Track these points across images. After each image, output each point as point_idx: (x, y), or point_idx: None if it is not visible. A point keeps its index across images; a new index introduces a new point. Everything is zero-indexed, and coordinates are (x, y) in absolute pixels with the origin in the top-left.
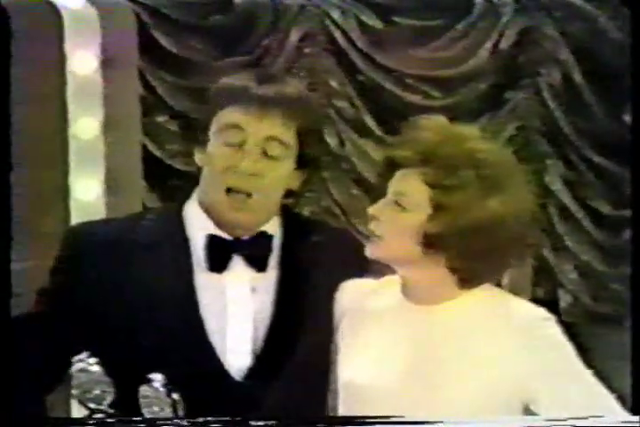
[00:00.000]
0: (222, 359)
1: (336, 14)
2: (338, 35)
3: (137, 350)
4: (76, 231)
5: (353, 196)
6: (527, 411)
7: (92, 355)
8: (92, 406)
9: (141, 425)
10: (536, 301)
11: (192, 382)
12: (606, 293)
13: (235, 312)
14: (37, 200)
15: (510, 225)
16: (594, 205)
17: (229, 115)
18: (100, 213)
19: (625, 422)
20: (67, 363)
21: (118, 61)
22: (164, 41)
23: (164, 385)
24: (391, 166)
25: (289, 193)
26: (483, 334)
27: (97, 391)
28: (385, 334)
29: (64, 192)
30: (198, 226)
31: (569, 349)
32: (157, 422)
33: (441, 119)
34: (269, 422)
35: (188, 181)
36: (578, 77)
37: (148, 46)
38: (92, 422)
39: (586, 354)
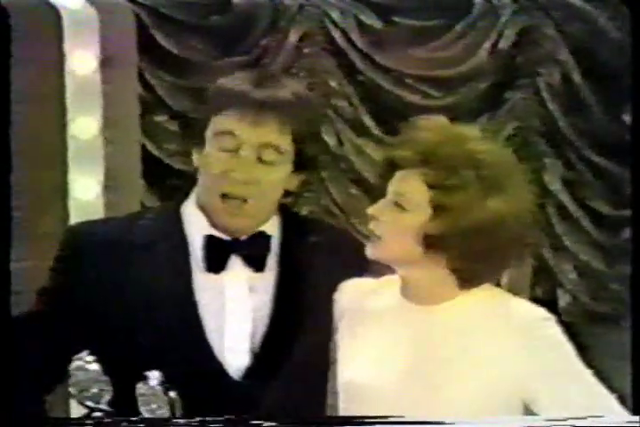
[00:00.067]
0: (221, 359)
1: (335, 14)
2: (337, 35)
3: (136, 350)
4: (76, 231)
5: (352, 195)
6: (527, 411)
7: (91, 354)
8: (89, 404)
9: (141, 425)
10: (535, 300)
11: (191, 381)
12: (605, 292)
13: (233, 311)
14: (36, 200)
15: (510, 225)
16: (593, 204)
17: (224, 121)
18: (99, 212)
19: (625, 422)
20: (66, 363)
21: (117, 61)
22: (163, 41)
23: (161, 383)
24: (391, 167)
25: (287, 193)
26: (482, 334)
27: (95, 390)
28: (385, 334)
29: (63, 192)
30: (196, 226)
31: (569, 349)
32: (156, 423)
33: (441, 119)
34: (269, 422)
35: (186, 181)
36: (577, 77)
37: (147, 46)
38: (91, 422)
39: (585, 354)
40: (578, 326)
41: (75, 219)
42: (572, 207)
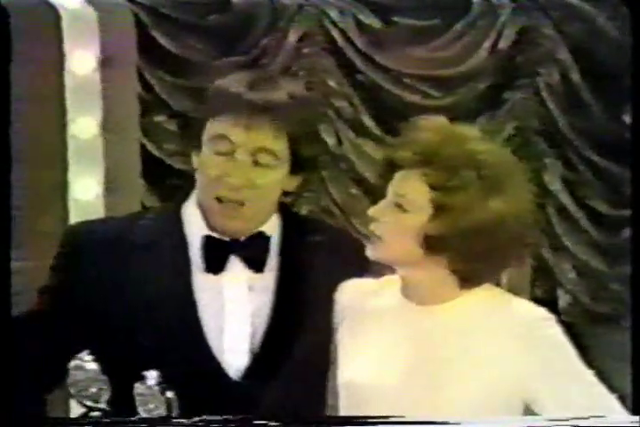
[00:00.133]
0: (220, 359)
1: (334, 14)
2: (336, 34)
3: (135, 349)
4: (76, 230)
5: (352, 195)
6: (528, 411)
7: (91, 353)
8: (88, 403)
9: (141, 425)
10: (535, 300)
11: (190, 381)
12: (605, 292)
13: (232, 311)
14: (36, 200)
15: (510, 225)
16: (592, 204)
17: (219, 125)
18: (98, 212)
19: (625, 422)
20: (66, 362)
21: (117, 61)
22: (162, 41)
23: (159, 383)
24: (391, 167)
25: (287, 192)
26: (483, 334)
27: (93, 389)
28: (385, 334)
29: (63, 191)
30: (196, 226)
31: (569, 349)
32: (156, 423)
33: (441, 120)
34: (268, 422)
35: (186, 181)
36: (576, 77)
37: (146, 46)
38: (91, 421)
39: (585, 354)
40: (578, 326)
41: (74, 219)
42: (571, 207)
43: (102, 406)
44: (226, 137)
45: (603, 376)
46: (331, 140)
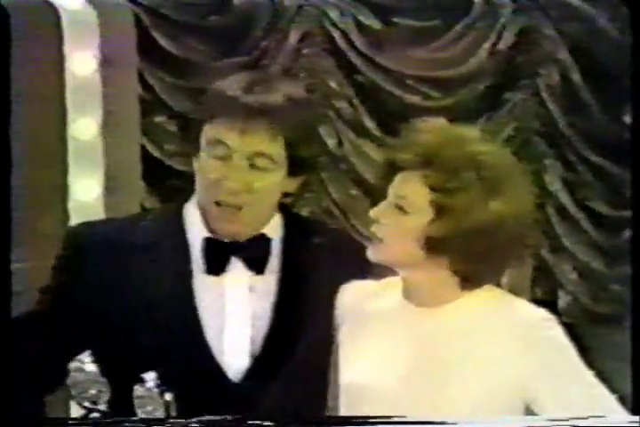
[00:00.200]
0: (220, 361)
1: (334, 15)
2: (337, 35)
3: (135, 351)
4: (77, 231)
5: (352, 196)
6: (528, 411)
7: (92, 354)
8: (87, 405)
9: (140, 425)
10: (535, 301)
11: (190, 382)
12: (605, 293)
13: (233, 313)
14: (36, 200)
15: (511, 226)
16: (593, 205)
17: (215, 130)
18: (99, 213)
19: (625, 422)
20: (67, 363)
21: (117, 62)
22: (162, 41)
23: (157, 385)
24: (391, 169)
25: (287, 193)
26: (484, 335)
27: (93, 391)
28: (386, 335)
29: (63, 192)
30: (197, 228)
31: (570, 349)
32: (154, 423)
33: (441, 121)
34: (268, 422)
35: (187, 182)
36: (577, 78)
37: (146, 47)
38: (91, 422)
39: (585, 355)
40: (578, 326)
41: (75, 220)
42: (571, 208)
43: (101, 407)
44: (222, 142)
45: (603, 377)
46: (331, 142)
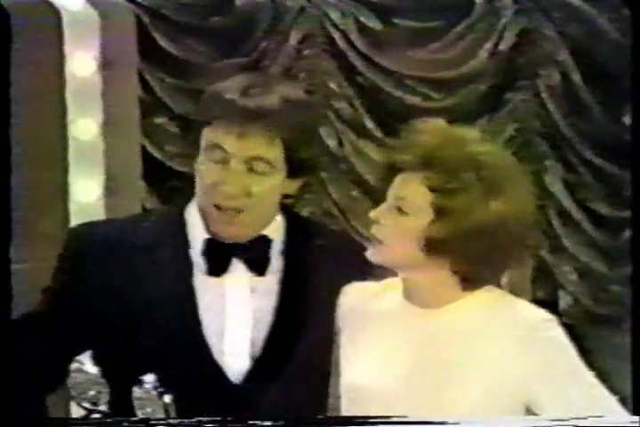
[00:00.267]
0: (220, 362)
1: (335, 16)
2: (337, 36)
3: (136, 352)
4: (79, 232)
5: (352, 197)
6: (529, 412)
7: (92, 355)
8: (87, 406)
9: (140, 425)
10: (536, 302)
11: (191, 384)
12: (606, 294)
13: (234, 314)
14: (37, 201)
15: (511, 226)
16: (593, 206)
17: (213, 133)
18: (99, 214)
19: (625, 422)
20: (67, 363)
21: (117, 63)
22: (163, 42)
23: (156, 387)
24: (392, 170)
25: (286, 195)
26: (485, 336)
27: (93, 392)
28: (387, 337)
29: (63, 193)
30: (198, 229)
31: (571, 350)
32: (154, 423)
33: (440, 122)
34: (268, 422)
35: (187, 183)
36: (577, 79)
37: (147, 48)
38: (91, 422)
39: (586, 355)
40: (579, 327)
41: (75, 221)
42: (572, 209)
43: (101, 408)
44: (220, 146)
45: (603, 378)
46: (331, 142)
